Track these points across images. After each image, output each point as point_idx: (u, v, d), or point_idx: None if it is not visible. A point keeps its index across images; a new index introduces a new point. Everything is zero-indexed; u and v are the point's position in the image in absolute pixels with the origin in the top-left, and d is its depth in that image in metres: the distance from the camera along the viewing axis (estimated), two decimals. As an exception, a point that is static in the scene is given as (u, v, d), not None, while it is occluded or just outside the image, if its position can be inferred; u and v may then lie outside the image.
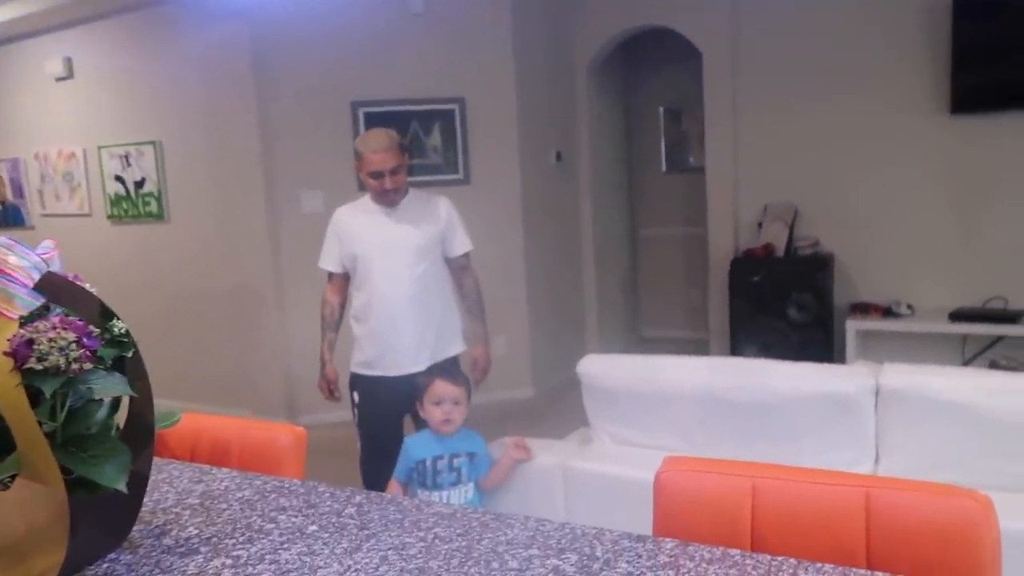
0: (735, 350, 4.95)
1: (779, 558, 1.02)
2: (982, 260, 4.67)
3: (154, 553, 1.15)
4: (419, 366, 2.68)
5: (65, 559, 1.00)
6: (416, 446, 2.38)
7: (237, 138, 4.72)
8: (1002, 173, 4.58)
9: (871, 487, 1.04)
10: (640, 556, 1.06)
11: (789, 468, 1.11)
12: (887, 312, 4.71)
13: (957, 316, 4.49)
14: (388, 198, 2.67)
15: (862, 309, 4.78)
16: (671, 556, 1.06)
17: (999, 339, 4.53)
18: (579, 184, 5.76)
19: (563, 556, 1.08)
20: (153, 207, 5.17)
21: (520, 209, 5.06)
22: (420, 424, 2.60)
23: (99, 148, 5.37)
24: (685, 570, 1.02)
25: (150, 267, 5.22)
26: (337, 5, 4.60)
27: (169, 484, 1.42)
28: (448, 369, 2.55)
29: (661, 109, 6.39)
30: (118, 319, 1.10)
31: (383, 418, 2.73)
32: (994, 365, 3.96)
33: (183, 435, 1.65)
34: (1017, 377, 1.97)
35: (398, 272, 2.69)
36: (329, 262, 2.79)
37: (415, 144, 4.80)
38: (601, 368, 2.44)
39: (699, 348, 5.52)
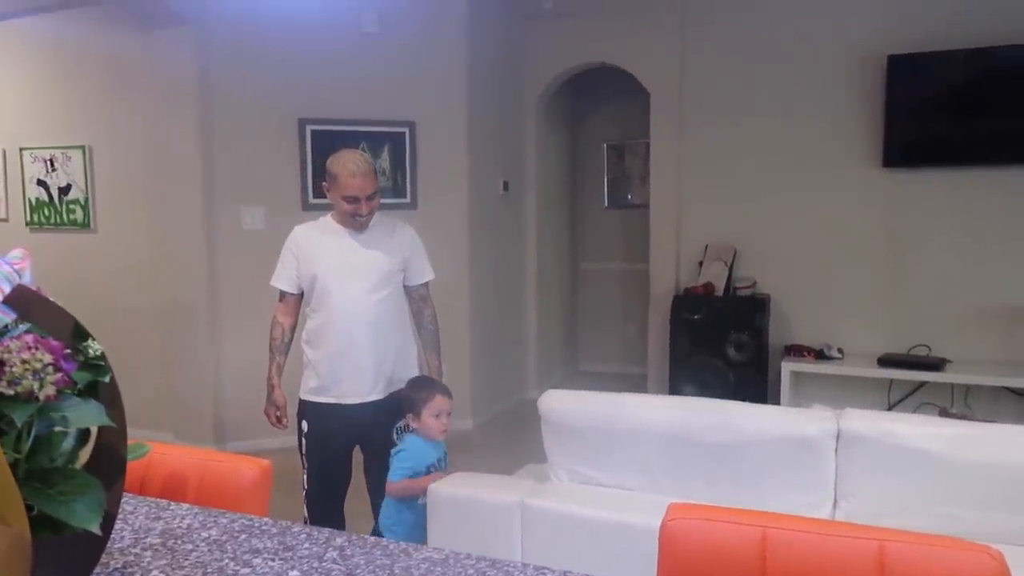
0: (673, 387, 5.01)
1: (796, 613, 0.99)
2: (907, 308, 4.87)
3: (115, 601, 1.03)
4: (375, 395, 2.61)
5: (22, 610, 0.89)
6: (423, 451, 2.51)
7: (176, 148, 4.52)
8: (928, 226, 4.81)
9: (885, 540, 1.02)
10: (652, 609, 1.02)
11: (801, 519, 1.09)
12: (819, 355, 4.85)
13: (885, 361, 4.66)
14: (360, 223, 2.60)
15: (796, 351, 4.92)
16: (684, 609, 1.01)
17: (921, 385, 4.72)
18: (524, 215, 5.77)
19: (572, 609, 1.02)
20: (78, 215, 4.89)
21: (467, 237, 5.01)
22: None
23: (20, 150, 5.07)
24: (701, 625, 0.98)
25: (71, 278, 4.91)
26: (290, 18, 4.50)
27: (123, 521, 1.30)
28: (444, 384, 2.62)
29: (605, 145, 6.49)
30: (93, 340, 0.99)
31: (334, 448, 2.62)
32: (944, 413, 4.10)
33: (132, 465, 1.51)
34: (974, 426, 2.03)
35: (359, 296, 2.59)
36: (283, 281, 2.66)
37: (363, 165, 4.70)
38: (562, 403, 2.40)
39: (637, 383, 5.56)
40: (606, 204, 6.55)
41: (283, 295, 2.68)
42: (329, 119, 4.67)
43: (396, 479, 2.46)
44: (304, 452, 2.63)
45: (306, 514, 2.63)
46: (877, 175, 4.87)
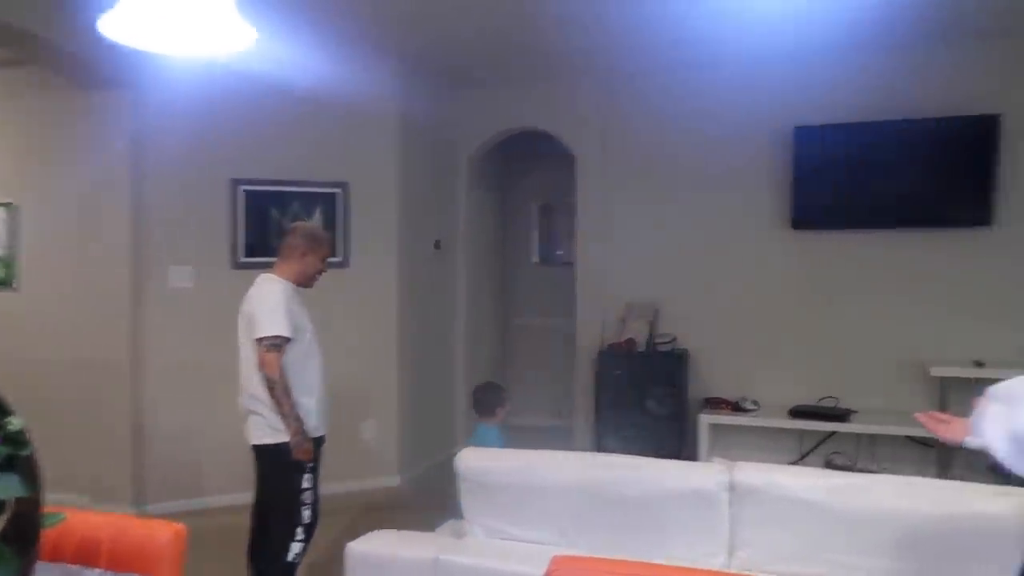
0: (598, 439, 5.15)
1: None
2: (818, 361, 5.15)
3: (25, 664, 1.08)
4: None
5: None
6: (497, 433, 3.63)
7: (105, 207, 4.52)
8: (834, 284, 5.13)
9: (736, 585, 1.16)
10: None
11: (678, 569, 1.21)
12: (736, 407, 5.06)
13: (796, 412, 4.90)
14: (315, 282, 3.06)
15: (714, 403, 5.12)
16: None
17: (831, 434, 4.97)
18: (455, 272, 5.91)
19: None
20: (0, 272, 4.82)
21: (396, 295, 5.11)
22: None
23: (-59, 206, 4.98)
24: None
25: (-11, 336, 4.82)
26: (225, 82, 4.59)
27: (35, 587, 1.34)
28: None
29: (535, 205, 6.71)
30: (15, 415, 1.07)
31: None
32: (829, 464, 4.33)
33: (45, 531, 1.55)
34: (855, 476, 2.21)
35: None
36: (288, 329, 2.84)
37: (294, 225, 4.79)
38: (478, 460, 2.50)
39: (564, 436, 5.68)
40: (536, 260, 6.74)
41: (283, 344, 2.82)
42: (262, 179, 4.75)
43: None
44: (311, 487, 2.90)
45: (300, 551, 2.87)
46: (787, 236, 5.19)
